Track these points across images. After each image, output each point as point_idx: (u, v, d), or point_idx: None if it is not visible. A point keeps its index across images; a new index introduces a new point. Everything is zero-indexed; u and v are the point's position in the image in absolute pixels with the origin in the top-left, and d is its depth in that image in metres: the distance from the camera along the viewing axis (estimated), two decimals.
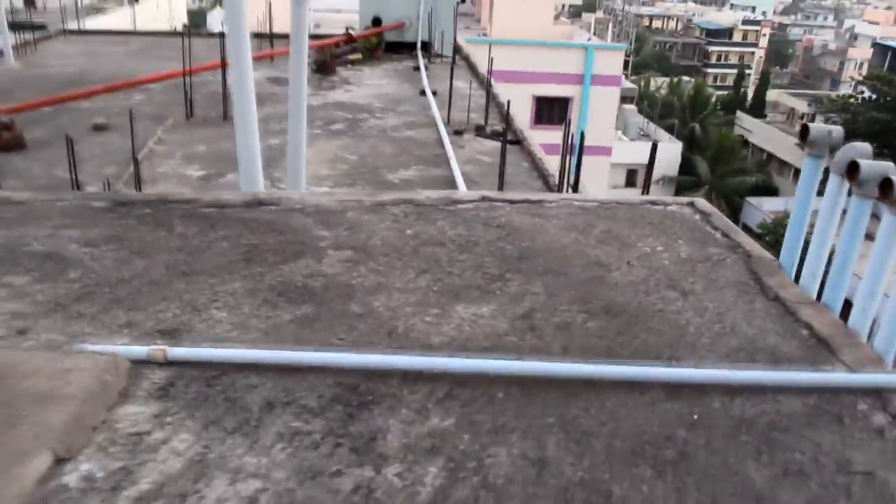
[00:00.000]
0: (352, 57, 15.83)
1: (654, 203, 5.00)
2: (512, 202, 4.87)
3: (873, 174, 3.40)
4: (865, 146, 3.57)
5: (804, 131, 3.87)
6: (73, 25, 19.56)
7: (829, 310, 3.69)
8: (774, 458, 2.69)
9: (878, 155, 3.54)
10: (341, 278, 3.79)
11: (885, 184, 3.34)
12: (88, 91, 12.64)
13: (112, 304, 3.48)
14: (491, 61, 12.17)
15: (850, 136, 3.79)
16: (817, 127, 3.90)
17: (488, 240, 4.29)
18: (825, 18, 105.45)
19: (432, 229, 4.40)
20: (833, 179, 3.70)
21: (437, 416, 2.80)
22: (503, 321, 3.47)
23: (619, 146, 35.51)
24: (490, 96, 11.82)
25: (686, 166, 44.18)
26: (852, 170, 3.52)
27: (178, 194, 4.96)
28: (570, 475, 2.55)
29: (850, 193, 3.59)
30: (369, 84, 14.24)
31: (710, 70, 79.24)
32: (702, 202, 5.04)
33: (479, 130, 11.54)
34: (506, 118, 9.85)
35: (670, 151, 41.24)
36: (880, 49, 50.69)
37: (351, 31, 16.64)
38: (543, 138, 12.70)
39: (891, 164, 3.44)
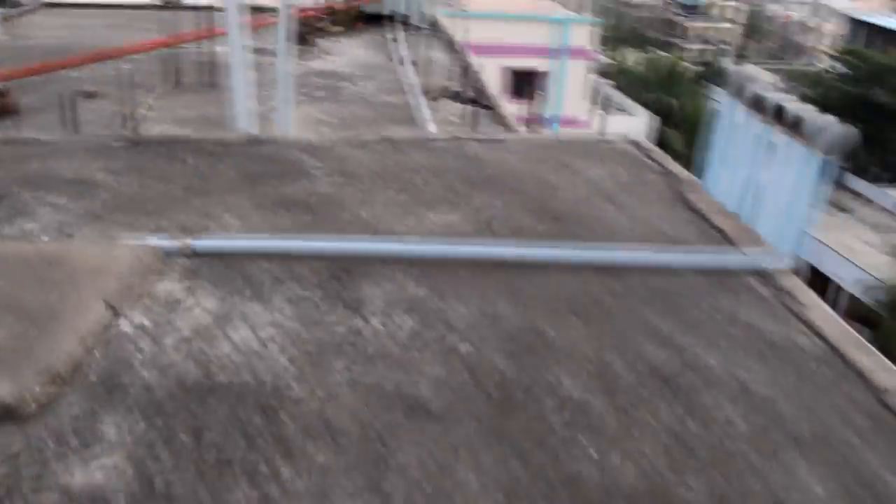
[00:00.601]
0: (333, 28, 16.41)
1: (602, 140, 5.73)
2: (479, 140, 5.60)
3: (772, 106, 4.15)
4: (757, 73, 4.31)
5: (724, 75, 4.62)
6: None
7: (738, 217, 4.44)
8: (678, 314, 3.44)
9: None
10: (332, 195, 4.50)
11: (778, 111, 4.09)
12: (78, 59, 13.16)
13: (140, 214, 4.17)
14: (466, 33, 12.82)
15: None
16: (734, 70, 4.65)
17: (457, 167, 5.01)
18: None
19: (409, 160, 5.11)
20: (740, 111, 4.46)
21: (412, 287, 3.53)
22: (467, 225, 4.20)
23: (595, 120, 36.11)
24: (465, 67, 12.49)
25: (663, 140, 44.89)
26: (757, 102, 4.27)
27: (185, 136, 5.64)
28: (516, 323, 3.29)
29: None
30: (349, 54, 14.86)
31: (687, 46, 79.90)
32: (644, 140, 5.78)
33: (454, 97, 12.20)
34: (477, 85, 10.54)
35: (646, 126, 41.94)
36: (854, 24, 51.55)
37: (331, 3, 17.21)
38: (518, 112, 13.36)
39: (784, 95, 4.18)
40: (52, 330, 2.98)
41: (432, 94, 11.89)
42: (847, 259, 21.48)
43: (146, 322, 3.19)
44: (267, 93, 9.04)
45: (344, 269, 3.67)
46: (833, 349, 3.28)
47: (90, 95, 11.23)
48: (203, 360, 2.94)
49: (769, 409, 2.87)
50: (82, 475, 2.38)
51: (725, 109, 4.70)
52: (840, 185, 22.86)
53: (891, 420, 2.87)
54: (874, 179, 28.10)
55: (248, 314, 3.27)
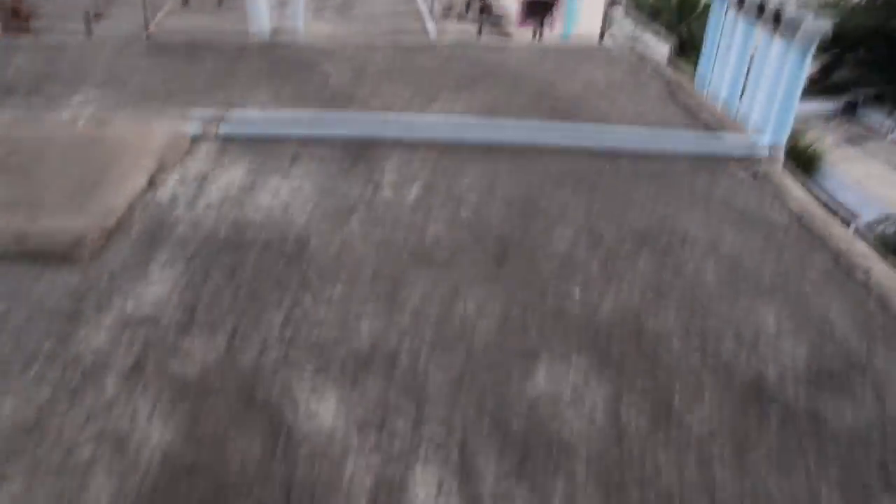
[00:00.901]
0: None
1: (602, 49, 6.02)
2: (483, 47, 5.88)
3: (755, 3, 4.43)
4: None
5: None
6: None
7: (726, 110, 4.76)
8: (662, 190, 3.80)
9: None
10: (345, 90, 4.83)
11: (760, 8, 4.38)
12: None
13: (169, 102, 4.50)
14: None
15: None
16: None
17: (461, 67, 5.32)
18: None
19: (416, 62, 5.42)
20: (730, 10, 4.75)
21: (419, 160, 3.89)
22: (470, 113, 4.53)
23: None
24: None
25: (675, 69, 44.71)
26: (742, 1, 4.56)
27: (205, 39, 5.93)
28: (513, 192, 3.65)
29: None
30: None
31: None
32: (641, 51, 6.06)
33: (461, 17, 12.40)
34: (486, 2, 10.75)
35: (662, 55, 41.80)
36: None
37: None
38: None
39: None
40: (100, 195, 3.35)
41: (442, 13, 12.07)
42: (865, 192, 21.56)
43: (182, 189, 3.56)
44: (279, 11, 9.28)
45: (356, 147, 4.01)
46: (799, 220, 3.63)
47: (97, 16, 11.42)
48: (234, 219, 3.32)
49: (735, 263, 3.24)
50: (134, 304, 2.77)
51: (717, 8, 4.98)
52: (855, 118, 22.71)
53: (841, 276, 3.23)
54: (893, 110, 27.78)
55: (270, 184, 3.63)
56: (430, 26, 10.92)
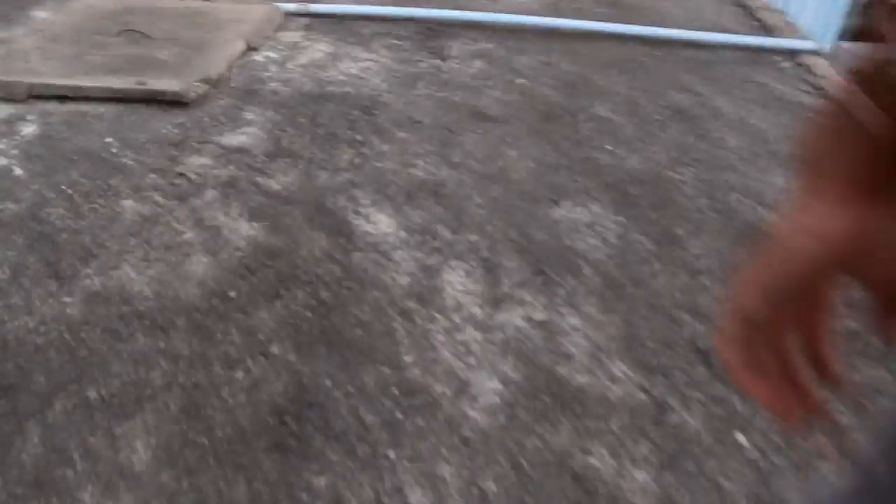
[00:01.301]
0: None
1: None
2: None
3: None
4: None
5: None
6: None
7: (782, 12, 5.00)
8: (704, 74, 4.14)
9: None
10: None
11: None
12: None
13: None
14: None
15: None
16: None
17: None
18: None
19: None
20: None
21: (483, 42, 4.31)
22: (535, 5, 4.90)
23: None
24: None
25: None
26: None
27: None
28: (566, 70, 4.06)
29: None
30: None
31: None
32: None
33: None
34: None
35: None
36: None
37: None
38: None
39: None
40: (204, 54, 3.90)
41: None
42: None
43: (274, 55, 4.08)
44: None
45: (431, 29, 4.46)
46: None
47: None
48: (317, 79, 3.83)
49: (759, 135, 3.59)
50: (230, 137, 3.32)
51: None
52: None
53: None
54: None
55: (352, 54, 4.12)
56: None
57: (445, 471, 1.94)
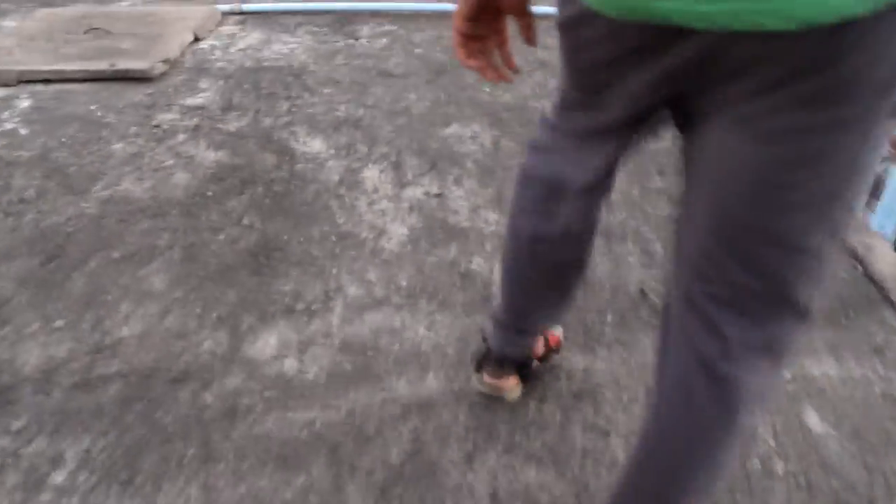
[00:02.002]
0: None
1: None
2: None
3: None
4: None
5: None
6: None
7: None
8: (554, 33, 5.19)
9: None
10: None
11: None
12: None
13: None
14: None
15: None
16: None
17: None
18: None
19: None
20: None
21: (388, 25, 5.30)
22: None
23: None
24: None
25: None
26: None
27: None
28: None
29: None
30: None
31: None
32: None
33: None
34: None
35: None
36: None
37: None
38: None
39: None
40: (160, 44, 4.80)
41: None
42: None
43: (216, 43, 5.00)
44: None
45: (345, 17, 5.43)
46: None
47: None
48: (255, 57, 4.76)
49: None
50: (191, 100, 4.23)
51: None
52: None
53: None
54: None
55: (281, 39, 5.06)
56: None
57: (372, 276, 2.89)
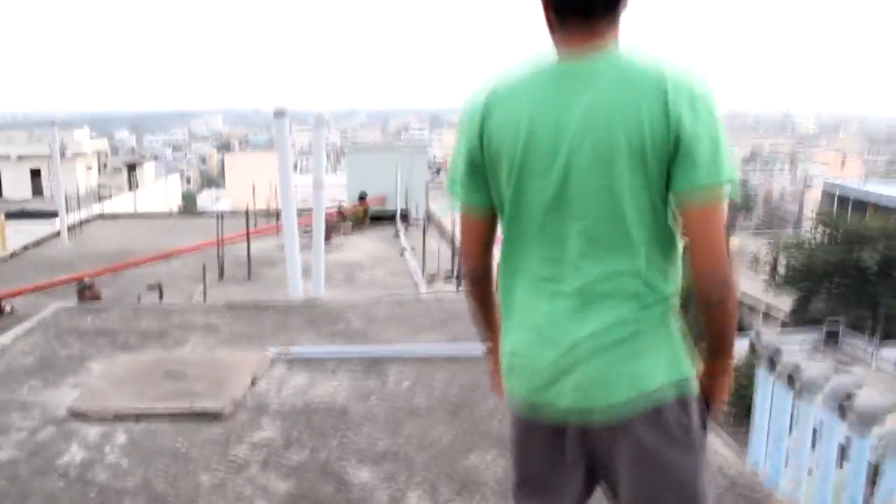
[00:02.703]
0: (345, 227, 19.98)
1: None
2: (455, 299, 8.67)
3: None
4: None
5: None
6: (81, 212, 23.48)
7: None
8: None
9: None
10: (364, 330, 7.52)
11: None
12: (142, 259, 16.65)
13: (251, 341, 7.18)
14: (454, 224, 16.21)
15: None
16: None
17: (437, 313, 8.06)
18: (782, 165, 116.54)
19: (407, 310, 8.18)
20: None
21: (410, 367, 6.49)
22: (442, 340, 7.19)
23: None
24: (455, 252, 15.79)
25: None
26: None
27: (265, 301, 8.71)
28: (461, 381, 6.24)
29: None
30: (360, 248, 18.29)
31: None
32: None
33: (447, 279, 15.42)
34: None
35: None
36: (829, 190, 49.29)
37: (341, 207, 20.93)
38: None
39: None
40: (226, 387, 5.93)
41: (429, 277, 15.11)
42: None
43: (270, 384, 6.15)
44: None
45: (372, 362, 6.64)
46: None
47: (152, 287, 14.12)
48: (304, 398, 5.87)
49: None
50: (258, 437, 5.27)
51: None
52: (838, 346, 22.98)
53: None
54: (871, 335, 27.11)
55: (323, 382, 6.22)
56: (421, 286, 13.91)
57: None
